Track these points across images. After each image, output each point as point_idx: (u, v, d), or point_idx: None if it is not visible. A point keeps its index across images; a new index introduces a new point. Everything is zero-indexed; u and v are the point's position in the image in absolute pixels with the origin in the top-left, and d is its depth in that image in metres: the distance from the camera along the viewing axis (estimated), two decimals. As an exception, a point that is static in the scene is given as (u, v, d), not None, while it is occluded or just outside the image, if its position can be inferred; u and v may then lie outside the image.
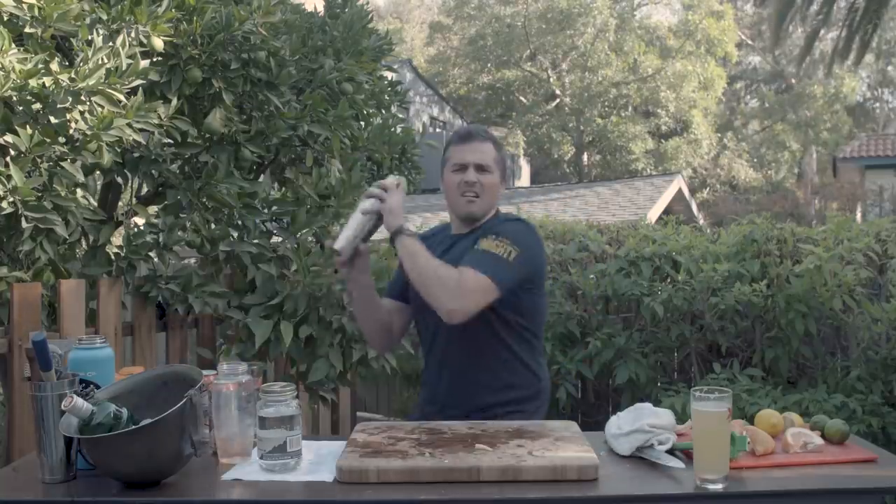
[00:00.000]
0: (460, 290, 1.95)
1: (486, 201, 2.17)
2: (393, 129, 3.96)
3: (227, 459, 1.71)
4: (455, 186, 2.16)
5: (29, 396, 1.62)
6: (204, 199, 3.07)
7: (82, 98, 2.60)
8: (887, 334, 3.69)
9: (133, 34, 2.78)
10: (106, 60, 2.64)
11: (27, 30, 2.65)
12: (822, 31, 14.93)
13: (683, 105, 24.00)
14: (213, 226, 3.13)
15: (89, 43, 2.67)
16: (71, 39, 2.79)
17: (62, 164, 2.62)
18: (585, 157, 25.68)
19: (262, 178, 3.52)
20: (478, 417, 1.98)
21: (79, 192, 2.83)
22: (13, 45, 2.56)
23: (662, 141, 24.60)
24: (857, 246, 3.89)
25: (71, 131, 2.62)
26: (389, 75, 4.25)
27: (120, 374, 1.78)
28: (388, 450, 1.67)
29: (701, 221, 15.99)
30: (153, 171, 2.99)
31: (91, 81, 2.58)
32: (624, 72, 24.70)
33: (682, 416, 3.08)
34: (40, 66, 2.54)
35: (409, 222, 2.07)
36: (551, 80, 25.50)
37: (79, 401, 1.53)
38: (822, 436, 1.80)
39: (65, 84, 2.57)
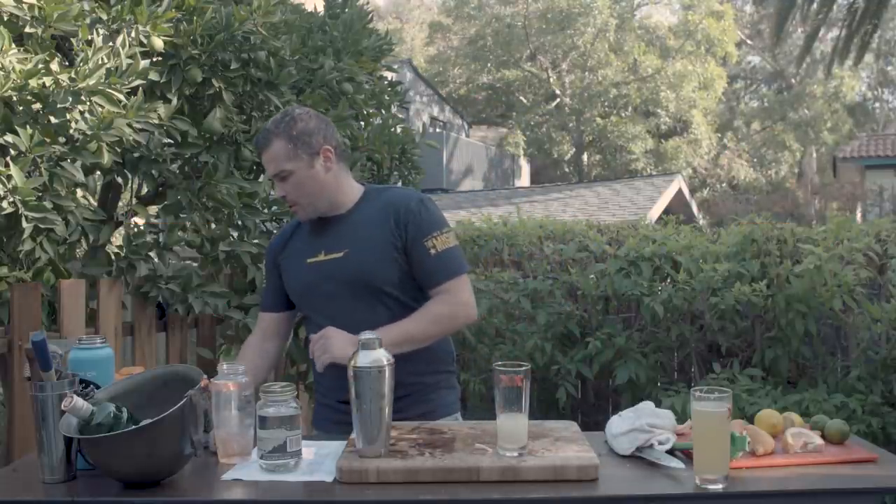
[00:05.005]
0: (462, 306, 2.04)
1: (310, 202, 2.07)
2: (393, 129, 3.96)
3: (227, 459, 1.71)
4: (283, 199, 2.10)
5: (29, 396, 1.61)
6: (204, 199, 3.07)
7: (82, 98, 2.60)
8: (887, 334, 3.69)
9: (133, 34, 2.78)
10: (106, 60, 2.64)
11: (27, 30, 2.65)
12: (822, 31, 14.94)
13: (683, 105, 24.00)
14: (213, 226, 3.13)
15: (89, 43, 2.67)
16: (71, 39, 2.79)
17: (62, 164, 2.62)
18: (585, 157, 25.70)
19: (262, 178, 3.52)
20: (404, 392, 1.91)
21: (79, 192, 2.83)
22: (13, 45, 2.56)
23: (662, 141, 24.61)
24: (857, 246, 3.88)
25: (71, 131, 2.62)
26: (389, 75, 4.25)
27: (120, 374, 1.78)
28: (388, 449, 1.67)
29: (701, 221, 16.00)
30: (153, 171, 3.00)
31: (91, 81, 2.58)
32: (624, 72, 24.71)
33: (682, 416, 3.08)
34: (40, 66, 2.54)
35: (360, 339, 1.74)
36: (551, 80, 25.51)
37: (79, 401, 1.53)
38: (822, 436, 1.80)
39: (65, 84, 2.57)
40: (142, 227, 3.03)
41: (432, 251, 2.02)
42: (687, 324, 4.13)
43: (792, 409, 3.26)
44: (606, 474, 1.60)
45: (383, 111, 4.00)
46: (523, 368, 1.66)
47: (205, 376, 1.69)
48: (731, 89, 29.55)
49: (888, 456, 1.75)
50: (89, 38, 2.69)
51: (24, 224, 2.49)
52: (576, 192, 15.13)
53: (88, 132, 2.61)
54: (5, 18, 2.64)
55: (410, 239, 2.02)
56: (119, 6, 2.78)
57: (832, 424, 1.84)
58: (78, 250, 3.02)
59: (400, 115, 4.20)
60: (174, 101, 2.90)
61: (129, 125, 2.66)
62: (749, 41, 30.44)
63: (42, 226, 2.55)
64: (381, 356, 1.65)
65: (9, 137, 2.48)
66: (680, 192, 15.23)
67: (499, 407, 1.67)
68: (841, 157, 18.15)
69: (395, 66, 4.65)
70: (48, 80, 2.56)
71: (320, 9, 3.95)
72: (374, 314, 2.01)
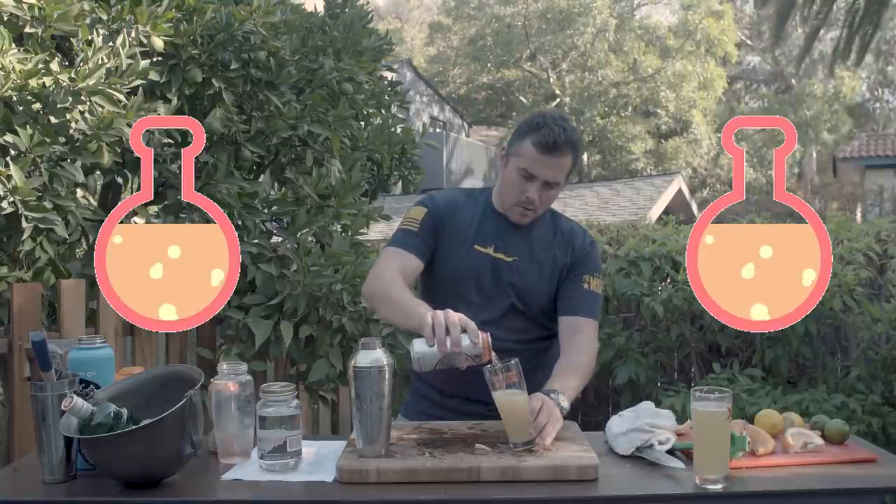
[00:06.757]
0: (595, 348, 2.08)
1: (540, 214, 2.12)
2: (393, 129, 3.96)
3: (227, 459, 1.71)
4: (514, 191, 2.04)
5: (29, 396, 1.61)
6: (204, 199, 3.08)
7: (82, 98, 2.60)
8: (887, 334, 3.69)
9: (133, 34, 2.78)
10: (106, 60, 2.64)
11: (27, 30, 2.66)
12: (822, 31, 14.95)
13: (683, 105, 24.00)
14: (213, 226, 3.13)
15: (89, 43, 2.68)
16: (71, 39, 2.79)
17: (62, 164, 2.62)
18: (585, 157, 25.68)
19: (262, 178, 3.52)
20: None
21: (79, 192, 2.83)
22: (13, 45, 2.56)
23: (662, 141, 24.60)
24: (857, 246, 3.88)
25: (71, 131, 2.62)
26: (389, 75, 4.26)
27: (120, 374, 1.78)
28: (388, 449, 1.66)
29: (701, 221, 15.96)
30: (153, 171, 3.00)
31: (91, 81, 2.58)
32: (624, 72, 24.70)
33: (682, 416, 3.08)
34: (40, 66, 2.54)
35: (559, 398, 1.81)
36: (551, 80, 25.51)
37: (79, 401, 1.53)
38: (822, 436, 1.80)
39: (65, 84, 2.57)
40: (142, 227, 3.03)
41: (587, 286, 2.10)
42: (687, 324, 4.13)
43: (792, 409, 3.26)
44: (606, 474, 1.60)
45: (383, 111, 4.00)
46: (514, 362, 1.67)
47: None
48: (731, 89, 29.55)
49: (888, 456, 1.75)
50: (89, 38, 2.69)
51: (24, 224, 2.49)
52: (576, 192, 15.11)
53: (88, 132, 2.61)
54: (5, 18, 2.64)
55: (573, 268, 2.12)
56: (119, 6, 2.78)
57: (832, 424, 1.84)
58: (78, 250, 3.02)
59: (400, 115, 4.20)
60: (174, 101, 2.90)
61: (129, 125, 2.66)
62: (749, 41, 30.45)
63: (42, 226, 2.55)
64: (381, 356, 1.65)
65: (9, 137, 2.48)
66: (680, 192, 15.24)
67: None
68: (841, 157, 18.15)
69: (395, 66, 4.65)
70: (48, 80, 2.56)
71: (320, 9, 3.96)
72: (514, 322, 2.07)
